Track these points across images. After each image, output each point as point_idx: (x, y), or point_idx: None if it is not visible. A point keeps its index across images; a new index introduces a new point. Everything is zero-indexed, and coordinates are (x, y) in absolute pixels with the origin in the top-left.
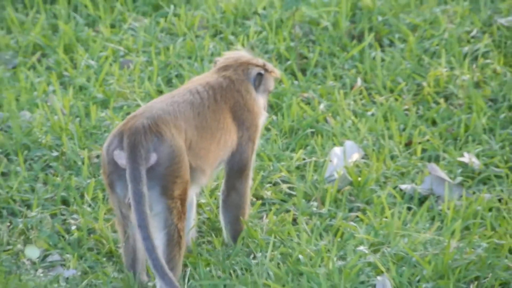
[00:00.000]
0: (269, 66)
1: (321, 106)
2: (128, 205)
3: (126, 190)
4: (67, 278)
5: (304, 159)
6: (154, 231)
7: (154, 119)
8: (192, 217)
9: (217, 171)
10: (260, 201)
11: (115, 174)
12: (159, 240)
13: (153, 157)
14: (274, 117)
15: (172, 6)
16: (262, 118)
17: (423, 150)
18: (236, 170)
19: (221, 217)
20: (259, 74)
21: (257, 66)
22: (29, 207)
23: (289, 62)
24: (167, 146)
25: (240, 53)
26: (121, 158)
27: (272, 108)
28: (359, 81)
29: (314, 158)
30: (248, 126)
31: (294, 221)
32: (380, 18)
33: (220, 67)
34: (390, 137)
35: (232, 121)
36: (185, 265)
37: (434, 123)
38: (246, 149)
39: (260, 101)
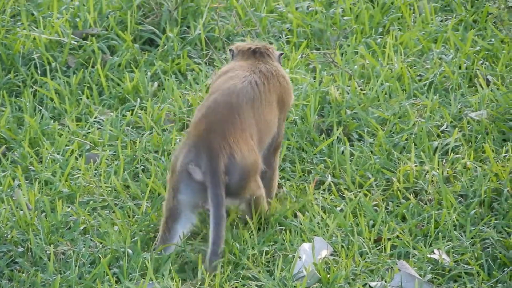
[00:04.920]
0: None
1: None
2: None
3: (190, 195)
4: None
5: (273, 255)
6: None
7: (226, 139)
8: None
9: None
10: None
11: (183, 183)
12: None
13: (227, 179)
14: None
15: (138, 100)
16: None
17: (393, 247)
18: (273, 148)
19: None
20: (281, 54)
21: (268, 48)
22: None
23: None
24: (239, 167)
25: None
26: (196, 173)
27: None
28: (317, 178)
29: (282, 254)
30: (287, 107)
31: None
32: (348, 112)
33: (246, 52)
34: (359, 233)
35: (277, 104)
36: None
37: (403, 219)
38: (282, 127)
39: None
